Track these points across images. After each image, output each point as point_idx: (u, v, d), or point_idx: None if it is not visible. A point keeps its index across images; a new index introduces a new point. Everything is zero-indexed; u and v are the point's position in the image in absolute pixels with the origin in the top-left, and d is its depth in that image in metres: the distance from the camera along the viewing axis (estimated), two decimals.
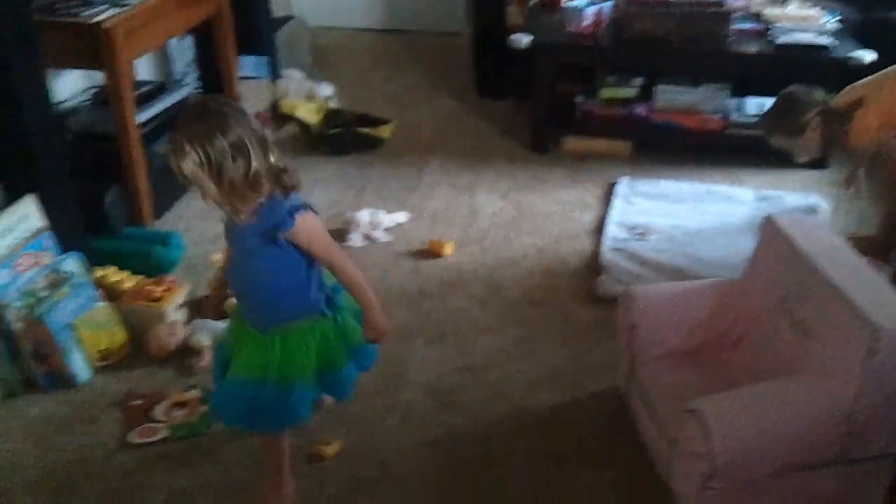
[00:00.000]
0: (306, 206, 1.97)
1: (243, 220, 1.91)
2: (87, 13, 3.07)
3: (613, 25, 4.00)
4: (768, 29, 3.95)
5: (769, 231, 2.41)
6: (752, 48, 3.88)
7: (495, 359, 2.75)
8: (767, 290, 2.36)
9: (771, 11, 4.10)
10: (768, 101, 3.94)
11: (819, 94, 3.03)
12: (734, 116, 3.99)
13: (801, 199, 3.65)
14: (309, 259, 2.00)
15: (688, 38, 3.85)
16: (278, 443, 2.11)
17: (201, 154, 1.79)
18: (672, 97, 4.01)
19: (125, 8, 3.16)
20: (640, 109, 4.07)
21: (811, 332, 2.15)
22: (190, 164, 1.79)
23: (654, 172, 3.91)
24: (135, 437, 2.44)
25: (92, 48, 3.08)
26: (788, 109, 3.04)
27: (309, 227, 1.96)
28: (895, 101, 2.91)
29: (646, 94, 4.06)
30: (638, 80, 4.07)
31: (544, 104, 4.06)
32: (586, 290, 3.07)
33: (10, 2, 2.63)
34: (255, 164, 1.83)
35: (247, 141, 1.82)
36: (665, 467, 2.19)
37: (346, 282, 2.05)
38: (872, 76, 3.05)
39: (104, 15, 3.07)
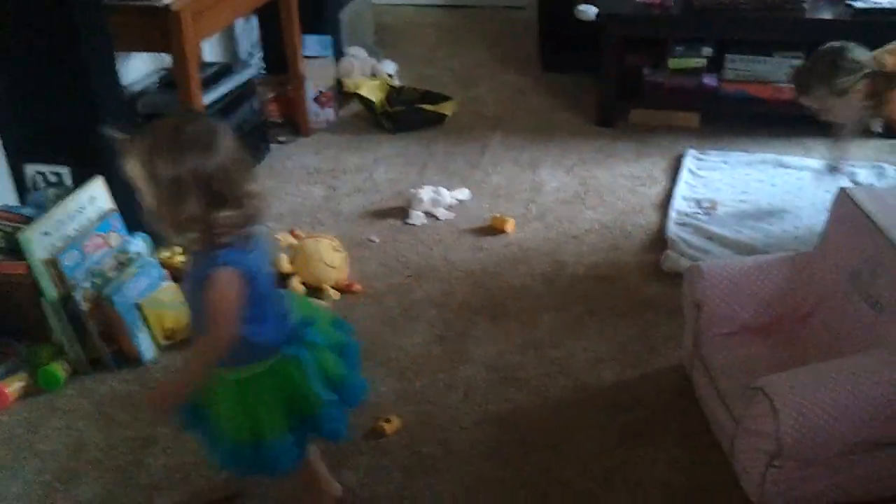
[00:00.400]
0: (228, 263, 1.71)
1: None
2: None
3: None
4: None
5: (843, 203, 2.32)
6: (828, 14, 3.74)
7: (559, 335, 2.71)
8: (840, 265, 2.28)
9: None
10: None
11: (863, 54, 2.82)
12: None
13: (874, 170, 3.51)
14: (255, 301, 1.77)
15: (761, 5, 3.73)
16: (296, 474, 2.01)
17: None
18: (743, 67, 3.90)
19: None
20: (709, 80, 3.96)
21: (885, 308, 2.08)
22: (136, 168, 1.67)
23: (723, 144, 3.82)
24: None
25: (160, 31, 3.10)
26: (831, 68, 2.81)
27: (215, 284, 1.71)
28: None
29: (715, 65, 3.95)
30: (707, 50, 3.95)
31: (612, 77, 3.98)
32: (652, 265, 3.01)
33: None
34: (189, 209, 1.65)
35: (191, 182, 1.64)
36: (728, 444, 2.13)
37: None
38: None
39: None
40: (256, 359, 1.83)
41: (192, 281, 1.79)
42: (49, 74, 2.72)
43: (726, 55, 3.90)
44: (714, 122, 3.97)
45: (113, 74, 2.84)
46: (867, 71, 2.77)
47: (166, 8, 3.02)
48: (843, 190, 2.34)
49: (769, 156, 3.68)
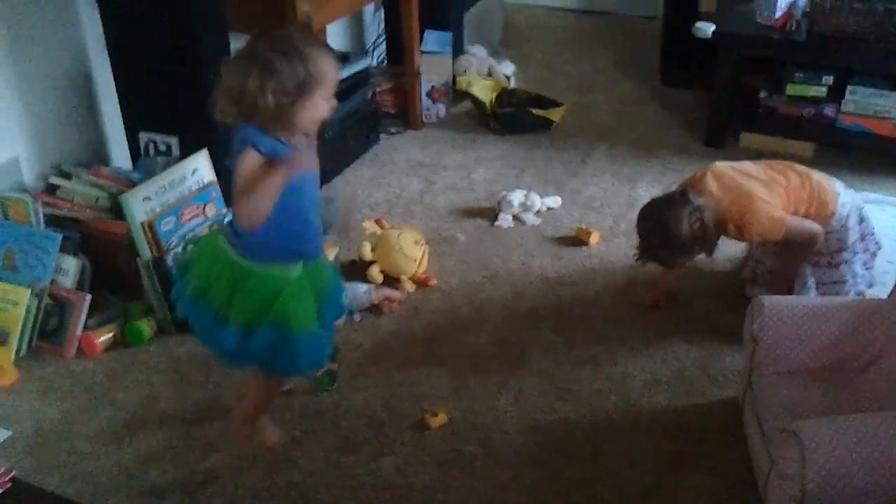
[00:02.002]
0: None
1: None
2: None
3: (807, 18, 3.79)
4: None
5: None
6: None
7: (619, 353, 2.72)
8: None
9: None
10: None
11: (673, 201, 2.64)
12: None
13: None
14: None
15: (887, 36, 3.60)
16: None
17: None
18: (864, 99, 3.76)
19: None
20: (828, 110, 3.85)
21: None
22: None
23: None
24: None
25: (278, 14, 3.27)
26: (667, 240, 2.61)
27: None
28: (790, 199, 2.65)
29: (835, 95, 3.83)
30: (828, 79, 3.83)
31: (723, 97, 3.92)
32: (731, 293, 2.97)
33: None
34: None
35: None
36: (763, 484, 2.11)
37: None
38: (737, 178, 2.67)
39: None
40: (279, 259, 2.01)
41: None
42: (162, 49, 2.90)
43: (848, 86, 3.78)
44: (828, 155, 3.85)
45: (225, 51, 2.98)
46: (686, 220, 2.57)
47: None
48: None
49: (876, 195, 3.55)
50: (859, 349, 2.30)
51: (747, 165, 2.76)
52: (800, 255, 2.73)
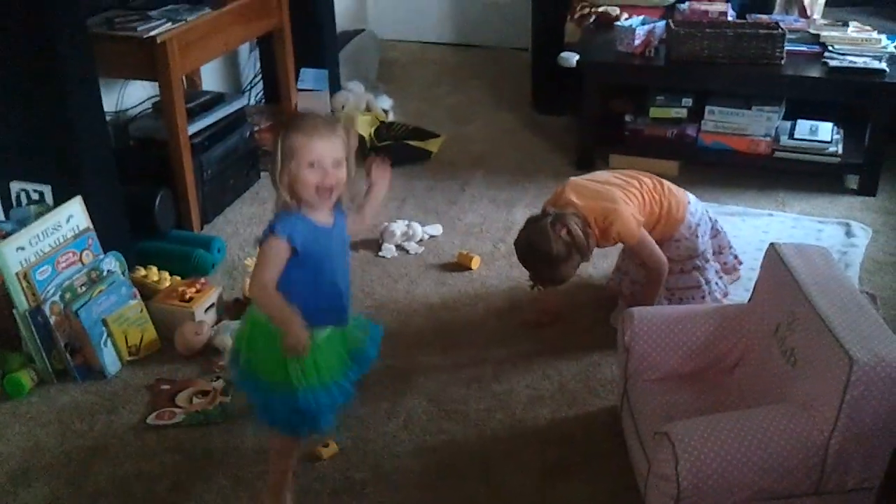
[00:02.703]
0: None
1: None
2: (143, 27, 3.26)
3: (664, 45, 4.01)
4: (825, 52, 3.91)
5: (771, 258, 2.40)
6: (804, 71, 3.83)
7: (504, 371, 2.80)
8: (765, 317, 2.36)
9: (830, 34, 4.05)
10: (821, 125, 3.92)
11: (534, 221, 2.79)
12: (784, 140, 3.93)
13: (840, 227, 3.58)
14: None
15: (739, 59, 3.84)
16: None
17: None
18: (722, 118, 3.98)
19: (180, 23, 3.34)
20: (690, 130, 4.06)
21: (798, 362, 2.15)
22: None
23: (699, 194, 3.87)
24: (153, 419, 2.61)
25: (147, 61, 3.28)
26: (548, 257, 2.72)
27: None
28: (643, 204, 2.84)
29: (695, 115, 4.05)
30: (687, 101, 4.05)
31: (591, 122, 4.09)
32: (606, 310, 3.09)
33: (67, 15, 2.82)
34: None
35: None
36: (643, 486, 2.21)
37: None
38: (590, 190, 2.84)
39: (159, 29, 3.26)
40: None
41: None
42: (31, 98, 2.87)
43: (706, 107, 4.00)
44: (692, 172, 4.05)
45: (95, 100, 2.98)
46: (559, 234, 2.70)
47: (153, 39, 3.19)
48: (771, 245, 2.42)
49: (738, 208, 3.76)
50: (725, 352, 2.43)
51: (601, 174, 2.96)
52: (653, 284, 2.86)
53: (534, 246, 2.73)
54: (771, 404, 2.14)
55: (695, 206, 2.93)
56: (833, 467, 2.00)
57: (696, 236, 2.92)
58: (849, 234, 3.55)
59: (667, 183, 2.93)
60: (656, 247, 2.82)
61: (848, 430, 1.96)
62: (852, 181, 3.93)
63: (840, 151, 3.88)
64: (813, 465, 1.99)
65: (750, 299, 2.51)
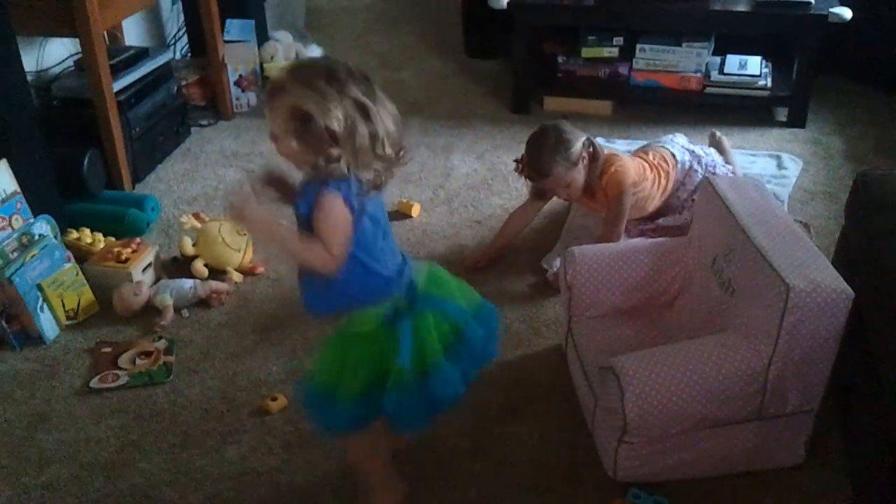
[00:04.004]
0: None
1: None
2: None
3: None
4: None
5: (706, 191, 2.44)
6: (732, 5, 3.87)
7: None
8: (702, 250, 2.40)
9: None
10: (750, 60, 3.97)
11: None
12: (714, 75, 3.97)
13: (772, 159, 3.65)
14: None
15: None
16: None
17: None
18: (653, 56, 4.01)
19: None
20: (622, 69, 4.08)
21: (736, 292, 2.19)
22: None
23: (631, 132, 3.93)
24: (97, 383, 2.56)
25: (66, 16, 3.17)
26: (559, 141, 2.85)
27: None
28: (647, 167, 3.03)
29: (627, 54, 4.06)
30: (618, 40, 4.06)
31: (524, 64, 4.08)
32: (547, 249, 3.12)
33: None
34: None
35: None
36: (590, 421, 2.26)
37: None
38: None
39: None
40: (366, 300, 1.84)
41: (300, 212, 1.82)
42: None
43: (637, 45, 4.01)
44: (626, 111, 4.08)
45: (14, 59, 2.87)
46: (585, 137, 2.90)
47: None
48: (705, 178, 2.46)
49: None
50: (665, 286, 2.48)
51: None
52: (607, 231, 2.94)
53: (551, 129, 2.87)
54: (711, 335, 2.19)
55: (681, 156, 3.10)
56: (773, 392, 2.05)
57: (694, 171, 3.09)
58: (780, 165, 3.62)
59: (667, 164, 3.07)
60: (626, 215, 2.91)
61: (787, 356, 2.01)
62: (781, 114, 4.00)
63: (769, 85, 3.94)
64: (754, 392, 2.05)
65: (689, 233, 2.55)
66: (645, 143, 3.37)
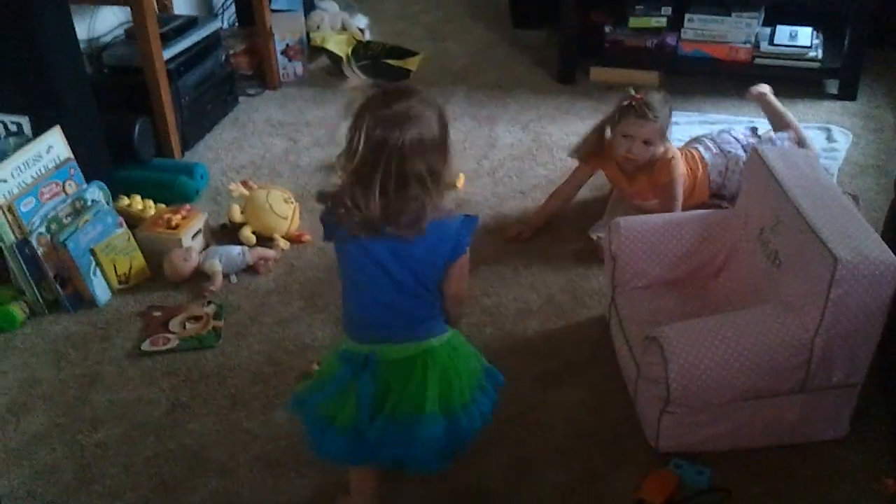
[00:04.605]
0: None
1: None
2: None
3: None
4: None
5: (754, 162, 2.42)
6: None
7: (492, 286, 2.83)
8: (750, 221, 2.39)
9: None
10: (800, 31, 3.91)
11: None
12: (764, 46, 3.92)
13: (821, 131, 3.60)
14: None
15: None
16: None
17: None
18: (702, 26, 3.96)
19: None
20: (670, 39, 4.03)
21: (782, 264, 2.19)
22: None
23: (680, 104, 3.88)
24: (147, 346, 2.62)
25: None
26: (672, 113, 2.97)
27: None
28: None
29: (675, 24, 4.02)
30: (667, 9, 4.02)
31: (571, 34, 4.06)
32: (591, 221, 3.11)
33: None
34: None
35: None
36: (633, 391, 2.27)
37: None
38: None
39: None
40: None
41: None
42: (2, 28, 2.80)
43: (685, 14, 3.96)
44: (673, 82, 4.04)
45: (68, 27, 2.92)
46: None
47: None
48: (754, 150, 2.44)
49: (720, 116, 3.76)
50: (710, 257, 2.47)
51: None
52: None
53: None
54: (757, 306, 2.19)
55: (711, 162, 3.06)
56: (818, 365, 2.05)
57: (731, 172, 3.06)
58: (829, 138, 3.57)
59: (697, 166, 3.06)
60: (680, 199, 2.91)
61: (832, 328, 2.00)
62: (832, 86, 3.94)
63: (820, 56, 3.88)
64: (799, 364, 2.04)
65: (735, 204, 2.53)
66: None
